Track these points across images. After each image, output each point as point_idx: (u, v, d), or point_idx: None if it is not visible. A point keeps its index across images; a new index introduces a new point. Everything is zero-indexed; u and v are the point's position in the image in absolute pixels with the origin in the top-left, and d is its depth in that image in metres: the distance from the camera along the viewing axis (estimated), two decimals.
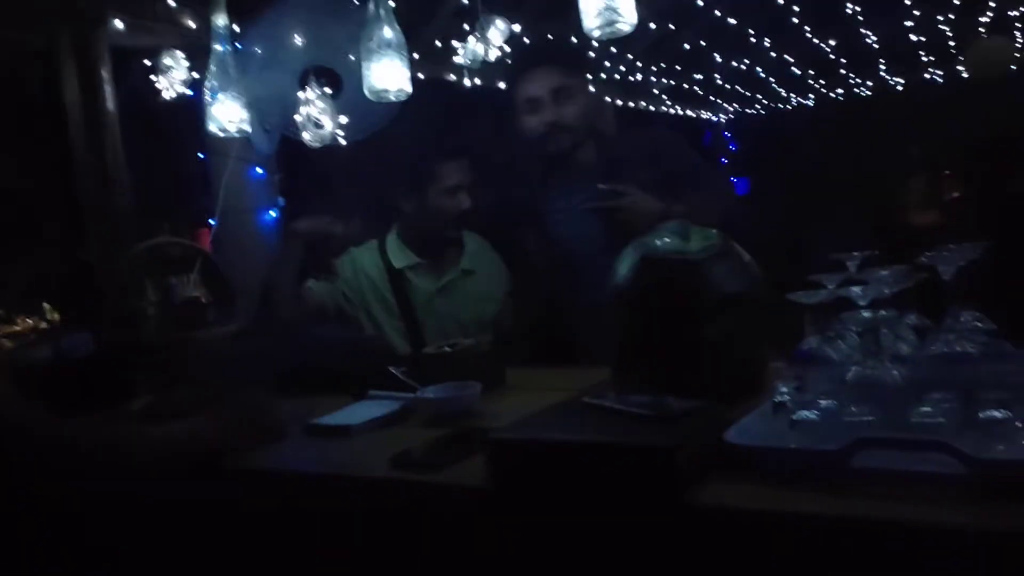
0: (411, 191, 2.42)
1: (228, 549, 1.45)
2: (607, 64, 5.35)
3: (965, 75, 6.86)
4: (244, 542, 1.44)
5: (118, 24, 2.48)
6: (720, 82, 7.04)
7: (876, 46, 5.99)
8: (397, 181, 2.47)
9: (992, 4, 5.19)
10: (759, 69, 6.44)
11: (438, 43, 3.67)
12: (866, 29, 5.48)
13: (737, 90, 7.62)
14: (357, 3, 2.59)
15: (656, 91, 6.64)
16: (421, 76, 3.61)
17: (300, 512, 1.40)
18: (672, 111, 7.53)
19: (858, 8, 4.78)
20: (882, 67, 7.26)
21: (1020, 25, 5.91)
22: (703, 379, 1.34)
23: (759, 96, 8.22)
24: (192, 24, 2.69)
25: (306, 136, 2.25)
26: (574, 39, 2.74)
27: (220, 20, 2.17)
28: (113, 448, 1.34)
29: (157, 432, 1.45)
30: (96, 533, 1.45)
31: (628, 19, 1.61)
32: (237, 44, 2.41)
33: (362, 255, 2.48)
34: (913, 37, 5.82)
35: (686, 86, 6.89)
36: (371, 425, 1.60)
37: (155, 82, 2.47)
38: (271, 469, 1.48)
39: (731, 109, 8.88)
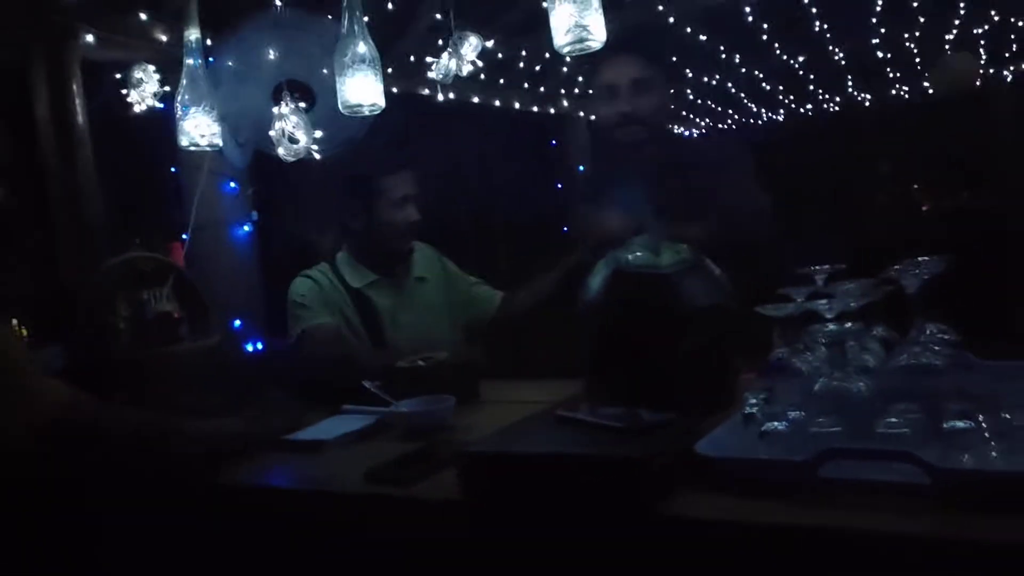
0: (358, 208, 2.39)
1: (205, 564, 1.45)
2: (579, 79, 5.40)
3: (932, 91, 7.00)
4: (220, 556, 1.43)
5: (89, 38, 2.47)
6: (692, 97, 7.12)
7: (844, 62, 6.09)
8: (343, 199, 2.44)
9: (957, 21, 5.30)
10: (730, 85, 6.52)
11: (411, 58, 3.69)
12: (834, 45, 5.57)
13: (708, 105, 7.71)
14: (330, 18, 2.62)
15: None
16: (395, 90, 3.62)
17: (275, 527, 1.39)
18: None
19: (826, 25, 4.86)
20: (850, 83, 7.37)
21: (984, 42, 6.04)
22: (674, 391, 1.35)
23: (730, 111, 8.32)
24: (164, 38, 2.68)
25: (281, 151, 2.24)
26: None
27: (193, 34, 2.16)
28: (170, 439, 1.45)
29: (205, 426, 1.55)
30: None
31: (598, 37, 1.63)
32: (210, 58, 2.40)
33: (320, 279, 2.41)
34: (880, 54, 5.92)
35: None
36: (345, 440, 1.60)
37: (126, 96, 2.46)
38: (246, 485, 1.47)
39: (703, 124, 8.97)
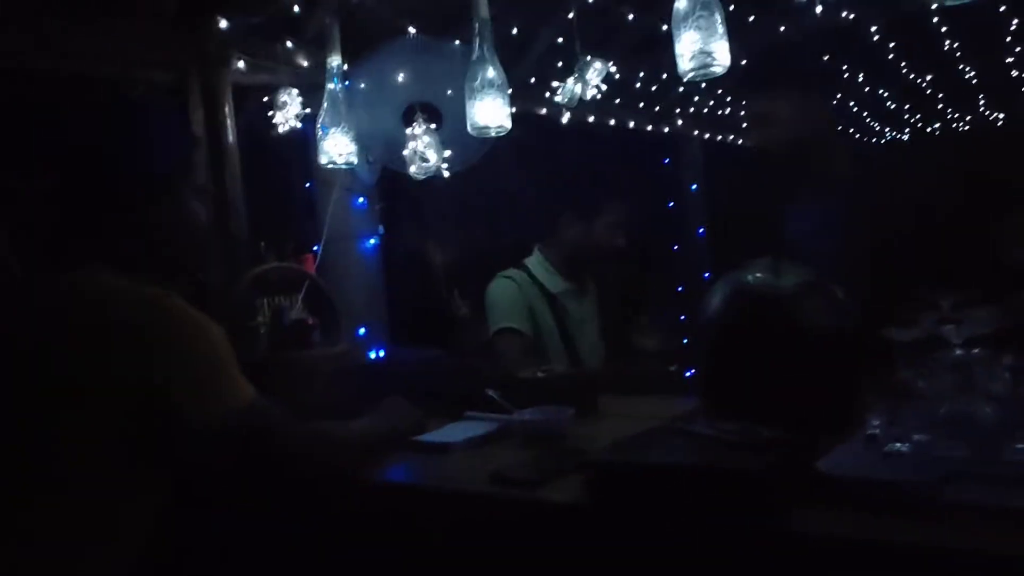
0: (576, 219, 2.57)
1: (337, 554, 1.56)
2: (695, 99, 5.39)
3: None
4: (352, 548, 1.54)
5: (240, 64, 2.67)
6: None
7: (975, 80, 5.86)
8: (563, 206, 2.62)
9: None
10: (852, 103, 6.37)
11: (532, 79, 3.79)
12: (965, 64, 5.37)
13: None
14: (457, 43, 2.74)
15: (745, 125, 6.63)
16: (514, 110, 3.74)
17: (403, 523, 1.49)
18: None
19: (955, 44, 4.71)
20: (982, 101, 7.07)
21: None
22: (793, 412, 1.37)
23: (851, 131, 8.09)
24: (305, 63, 2.87)
25: (412, 169, 2.37)
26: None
27: (334, 61, 2.32)
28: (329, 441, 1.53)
29: (355, 427, 1.64)
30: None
31: (722, 62, 1.66)
32: (345, 82, 2.56)
33: (520, 280, 2.61)
34: (1015, 72, 5.67)
35: None
36: (469, 444, 1.68)
37: (271, 117, 2.65)
38: (378, 481, 1.57)
39: None
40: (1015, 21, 4.36)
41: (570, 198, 2.63)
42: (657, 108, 5.25)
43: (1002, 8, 4.03)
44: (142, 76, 2.54)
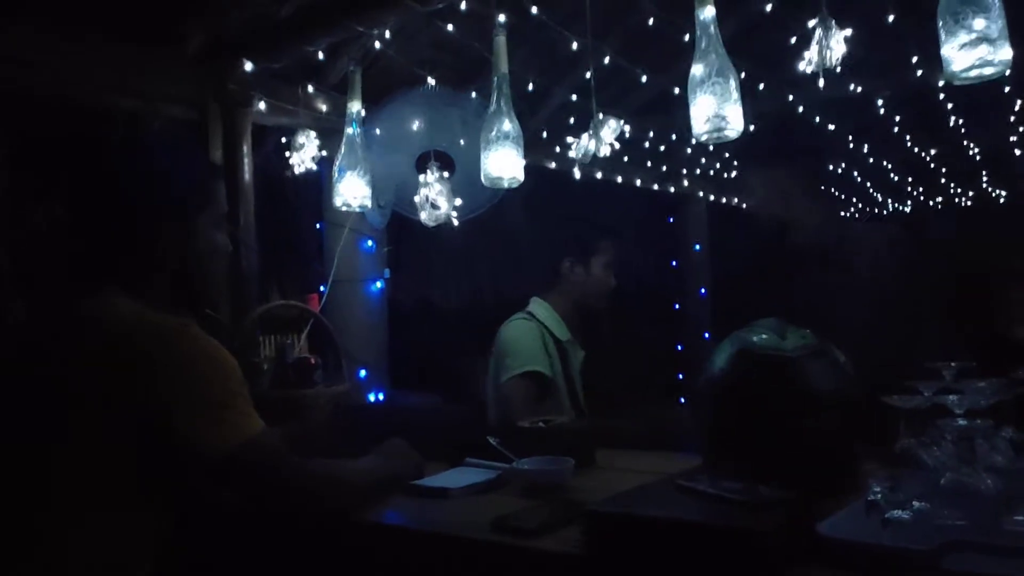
0: (576, 263, 2.58)
1: None
2: (703, 160, 5.48)
3: None
4: None
5: (261, 106, 2.73)
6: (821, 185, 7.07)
7: (978, 158, 5.95)
8: (562, 247, 2.63)
9: None
10: (855, 173, 6.45)
11: (544, 134, 3.87)
12: (969, 140, 5.47)
13: (832, 192, 7.62)
14: (473, 95, 2.81)
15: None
16: (525, 163, 3.81)
17: (400, 567, 1.48)
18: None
19: (961, 120, 4.80)
20: (984, 178, 7.17)
21: None
22: (794, 473, 1.38)
23: (854, 199, 8.18)
24: (324, 108, 2.93)
25: (423, 215, 2.41)
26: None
27: (355, 106, 2.37)
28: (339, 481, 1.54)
29: (358, 467, 1.65)
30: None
31: (735, 127, 1.71)
32: (363, 126, 2.62)
33: (534, 323, 2.59)
34: (1018, 151, 5.76)
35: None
36: (469, 490, 1.68)
37: (288, 157, 2.70)
38: (375, 524, 1.57)
39: (823, 211, 8.85)
40: (1019, 101, 4.45)
41: (569, 244, 2.62)
42: (664, 168, 5.32)
43: (1007, 88, 4.12)
44: (163, 111, 2.60)
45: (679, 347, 5.78)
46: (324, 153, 2.75)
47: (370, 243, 3.24)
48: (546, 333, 2.57)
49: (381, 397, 3.13)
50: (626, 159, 4.83)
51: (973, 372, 1.36)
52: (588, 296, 2.57)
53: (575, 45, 2.80)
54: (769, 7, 2.80)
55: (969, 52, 1.38)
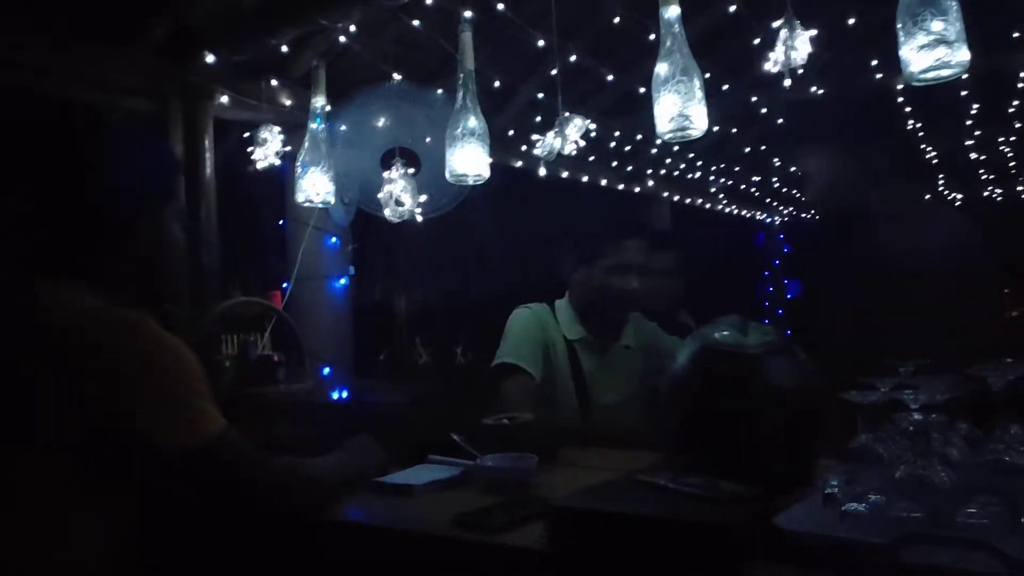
0: (579, 263, 2.48)
1: None
2: (667, 161, 5.52)
3: None
4: None
5: (223, 99, 2.70)
6: (777, 185, 7.16)
7: (936, 160, 6.08)
8: (567, 251, 2.54)
9: None
10: (799, 172, 6.56)
11: (510, 132, 3.88)
12: (926, 143, 5.58)
13: (793, 194, 7.73)
14: (439, 92, 2.80)
15: (713, 190, 6.79)
16: (491, 161, 3.81)
17: (362, 564, 1.47)
18: (728, 210, 7.65)
19: (918, 124, 4.89)
20: (941, 182, 7.32)
21: None
22: (755, 469, 1.39)
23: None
24: (288, 102, 2.90)
25: (387, 212, 2.39)
26: None
27: (319, 102, 2.35)
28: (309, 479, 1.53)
29: (322, 464, 1.63)
30: None
31: (699, 126, 1.72)
32: (327, 122, 2.59)
33: (542, 316, 2.47)
34: (974, 155, 5.90)
35: (743, 187, 7.03)
36: (433, 487, 1.68)
37: (251, 153, 2.67)
38: (337, 521, 1.55)
39: (786, 212, 8.98)
40: (976, 105, 4.55)
41: (576, 245, 2.52)
42: (629, 168, 5.36)
43: (964, 92, 4.21)
44: (122, 102, 2.55)
45: None
46: (288, 148, 2.72)
47: (334, 240, 3.21)
48: (556, 328, 2.47)
49: (345, 395, 3.11)
50: (592, 159, 4.86)
51: (930, 369, 1.38)
52: (601, 300, 2.44)
53: (541, 43, 2.81)
54: (733, 8, 2.83)
55: (927, 54, 1.40)
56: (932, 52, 1.40)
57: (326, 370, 3.05)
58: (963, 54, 1.40)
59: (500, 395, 2.29)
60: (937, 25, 1.39)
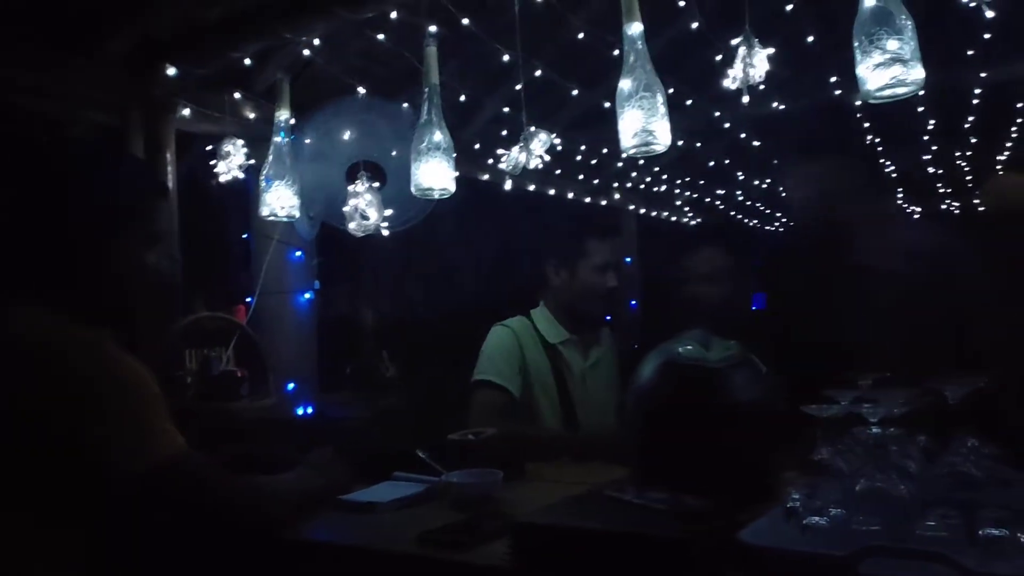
0: (560, 264, 2.50)
1: None
2: (633, 174, 5.57)
3: (982, 208, 7.04)
4: None
5: (186, 112, 2.67)
6: (741, 198, 7.26)
7: (894, 175, 6.20)
8: (547, 253, 2.55)
9: (1009, 144, 5.40)
10: (780, 188, 6.65)
11: (476, 145, 3.88)
12: (885, 158, 5.69)
13: (757, 207, 7.84)
14: (405, 106, 2.80)
15: (678, 203, 6.86)
16: (457, 174, 3.81)
17: None
18: (694, 223, 7.73)
19: (877, 139, 4.99)
20: (900, 195, 7.47)
21: None
22: (718, 482, 1.40)
23: (778, 214, 8.42)
24: (252, 115, 2.88)
25: (352, 226, 2.38)
26: None
27: (283, 115, 2.33)
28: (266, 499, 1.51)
29: (283, 481, 1.61)
30: None
31: (662, 141, 1.73)
32: (292, 135, 2.58)
33: (520, 324, 2.50)
34: (931, 169, 6.03)
35: (708, 199, 7.11)
36: (397, 504, 1.66)
37: (214, 166, 2.64)
38: (300, 540, 1.53)
39: (751, 224, 9.09)
40: (932, 121, 4.65)
41: (553, 247, 2.55)
42: (596, 181, 5.40)
43: (920, 108, 4.30)
44: (80, 115, 2.52)
45: None
46: (252, 162, 2.70)
47: (299, 254, 3.19)
48: (532, 338, 2.48)
49: (310, 410, 3.08)
50: (558, 172, 4.88)
51: (889, 382, 1.40)
52: (580, 299, 2.47)
53: (506, 58, 2.82)
54: (695, 25, 2.86)
55: (883, 72, 1.43)
56: (888, 70, 1.43)
57: (290, 385, 3.01)
58: (918, 72, 1.43)
59: (472, 411, 2.30)
60: (892, 44, 1.42)
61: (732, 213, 8.17)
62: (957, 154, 5.70)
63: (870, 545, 1.09)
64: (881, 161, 5.59)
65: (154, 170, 2.50)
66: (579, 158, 4.72)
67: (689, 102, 3.98)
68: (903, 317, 2.04)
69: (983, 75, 3.78)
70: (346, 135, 2.78)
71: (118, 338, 1.36)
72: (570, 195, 5.26)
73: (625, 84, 1.69)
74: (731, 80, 1.72)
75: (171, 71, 2.57)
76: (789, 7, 2.93)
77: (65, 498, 1.27)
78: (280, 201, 2.35)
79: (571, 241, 2.49)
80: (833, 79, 3.76)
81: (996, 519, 1.10)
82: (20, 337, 1.29)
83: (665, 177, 5.87)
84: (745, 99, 1.75)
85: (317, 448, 1.88)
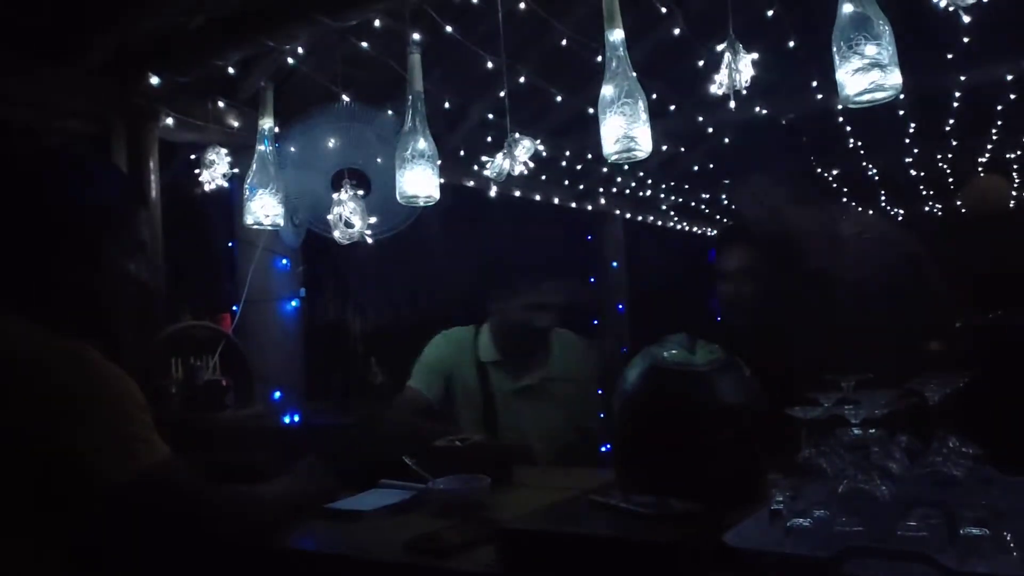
0: (497, 295, 2.62)
1: None
2: (618, 179, 5.58)
3: (963, 210, 7.10)
4: None
5: (169, 121, 2.66)
6: (726, 202, 7.29)
7: (877, 178, 6.24)
8: (488, 284, 2.68)
9: (990, 145, 5.45)
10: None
11: (461, 152, 3.89)
12: (867, 161, 5.73)
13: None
14: (390, 113, 2.79)
15: (664, 207, 6.88)
16: (442, 181, 3.81)
17: None
18: (679, 227, 7.76)
19: (859, 142, 5.03)
20: (883, 198, 7.52)
21: (1017, 166, 6.16)
22: (703, 485, 1.41)
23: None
24: (236, 124, 2.87)
25: (336, 234, 2.38)
26: None
27: (267, 123, 2.33)
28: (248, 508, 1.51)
29: (268, 490, 1.61)
30: None
31: (644, 147, 1.74)
32: (276, 143, 2.57)
33: (460, 336, 2.65)
34: (913, 172, 6.07)
35: (693, 204, 7.14)
36: (383, 512, 1.66)
37: (198, 175, 2.63)
38: (286, 549, 1.53)
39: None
40: (913, 124, 4.69)
41: (492, 276, 2.67)
42: (581, 186, 5.41)
43: (902, 112, 4.34)
44: (61, 124, 2.50)
45: None
46: (236, 170, 2.69)
47: (285, 261, 3.18)
48: (469, 352, 2.62)
49: (296, 418, 3.07)
50: (544, 178, 4.89)
51: (871, 383, 1.41)
52: (512, 331, 2.60)
53: (490, 64, 2.83)
54: (677, 31, 2.88)
55: (862, 77, 1.45)
56: (867, 75, 1.44)
57: (276, 394, 3.00)
58: (895, 77, 1.44)
59: (393, 403, 2.54)
60: (871, 49, 1.43)
61: (718, 217, 8.21)
62: (939, 156, 5.74)
63: (852, 546, 1.10)
64: (864, 164, 5.64)
65: (133, 178, 2.49)
66: (564, 163, 4.73)
67: (673, 107, 4.00)
68: (883, 318, 2.06)
69: (962, 78, 3.81)
70: (330, 142, 2.77)
71: (101, 347, 1.35)
72: (555, 200, 5.27)
73: (607, 90, 1.70)
74: (718, 86, 1.73)
75: (154, 80, 2.56)
76: (769, 12, 2.95)
77: (49, 508, 1.26)
78: (264, 209, 2.35)
79: (506, 279, 2.61)
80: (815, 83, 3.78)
81: (977, 519, 1.11)
82: (1, 348, 1.29)
83: (650, 182, 5.89)
84: (732, 104, 1.76)
85: (304, 457, 1.87)
